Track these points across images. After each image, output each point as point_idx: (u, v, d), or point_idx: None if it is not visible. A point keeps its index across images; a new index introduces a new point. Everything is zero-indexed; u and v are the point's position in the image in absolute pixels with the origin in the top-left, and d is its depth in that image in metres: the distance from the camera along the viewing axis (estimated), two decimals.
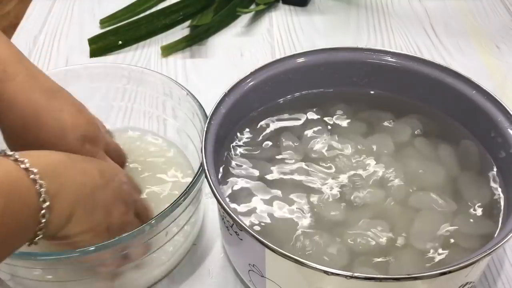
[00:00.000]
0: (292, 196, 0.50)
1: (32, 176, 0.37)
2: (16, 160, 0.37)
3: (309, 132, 0.56)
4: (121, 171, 0.50)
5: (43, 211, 0.37)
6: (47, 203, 0.38)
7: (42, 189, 0.37)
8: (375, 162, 0.52)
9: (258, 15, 0.89)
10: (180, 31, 0.85)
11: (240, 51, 0.82)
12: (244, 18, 0.88)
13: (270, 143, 0.55)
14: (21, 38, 0.87)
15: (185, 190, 0.48)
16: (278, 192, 0.50)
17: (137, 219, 0.49)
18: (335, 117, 0.57)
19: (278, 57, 0.57)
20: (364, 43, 0.83)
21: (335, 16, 0.89)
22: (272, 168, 0.52)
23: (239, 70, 0.77)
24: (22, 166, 0.37)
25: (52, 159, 0.42)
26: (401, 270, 0.44)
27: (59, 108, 0.46)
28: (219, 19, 0.86)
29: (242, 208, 0.49)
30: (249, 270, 0.47)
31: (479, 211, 0.48)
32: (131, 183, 0.51)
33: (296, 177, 0.52)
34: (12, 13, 0.96)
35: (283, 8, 0.91)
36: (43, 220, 0.38)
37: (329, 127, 0.56)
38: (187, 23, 0.86)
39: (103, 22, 0.87)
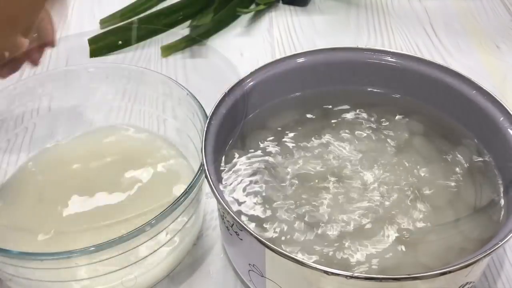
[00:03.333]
0: (293, 195, 0.50)
1: None
2: None
3: (308, 132, 0.56)
4: None
5: None
6: None
7: None
8: (374, 162, 0.52)
9: (258, 15, 0.89)
10: (180, 32, 0.85)
11: (240, 51, 0.82)
12: (244, 18, 0.89)
13: (270, 143, 0.55)
14: None
15: (185, 190, 0.48)
16: (279, 191, 0.50)
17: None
18: (335, 117, 0.57)
19: (278, 57, 0.57)
20: (364, 43, 0.83)
21: (335, 16, 0.89)
22: (272, 167, 0.53)
23: (239, 70, 0.77)
24: None
25: None
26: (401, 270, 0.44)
27: None
28: (219, 19, 0.86)
29: (242, 207, 0.49)
30: (249, 270, 0.47)
31: (479, 212, 0.48)
32: None
33: (297, 176, 0.52)
34: None
35: (283, 8, 0.91)
36: None
37: (329, 127, 0.56)
38: (187, 23, 0.86)
39: (103, 22, 0.87)
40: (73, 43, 0.83)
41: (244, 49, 0.82)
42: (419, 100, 0.57)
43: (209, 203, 0.59)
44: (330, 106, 0.58)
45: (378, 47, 0.81)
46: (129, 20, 0.85)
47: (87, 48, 0.81)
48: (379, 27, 0.86)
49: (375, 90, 0.59)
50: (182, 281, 0.53)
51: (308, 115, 0.57)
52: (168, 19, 0.85)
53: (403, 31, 0.85)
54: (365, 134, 0.55)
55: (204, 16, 0.84)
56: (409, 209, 0.49)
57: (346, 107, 0.58)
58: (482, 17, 0.88)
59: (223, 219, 0.48)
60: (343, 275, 0.39)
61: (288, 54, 0.58)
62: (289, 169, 0.52)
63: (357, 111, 0.58)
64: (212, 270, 0.54)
